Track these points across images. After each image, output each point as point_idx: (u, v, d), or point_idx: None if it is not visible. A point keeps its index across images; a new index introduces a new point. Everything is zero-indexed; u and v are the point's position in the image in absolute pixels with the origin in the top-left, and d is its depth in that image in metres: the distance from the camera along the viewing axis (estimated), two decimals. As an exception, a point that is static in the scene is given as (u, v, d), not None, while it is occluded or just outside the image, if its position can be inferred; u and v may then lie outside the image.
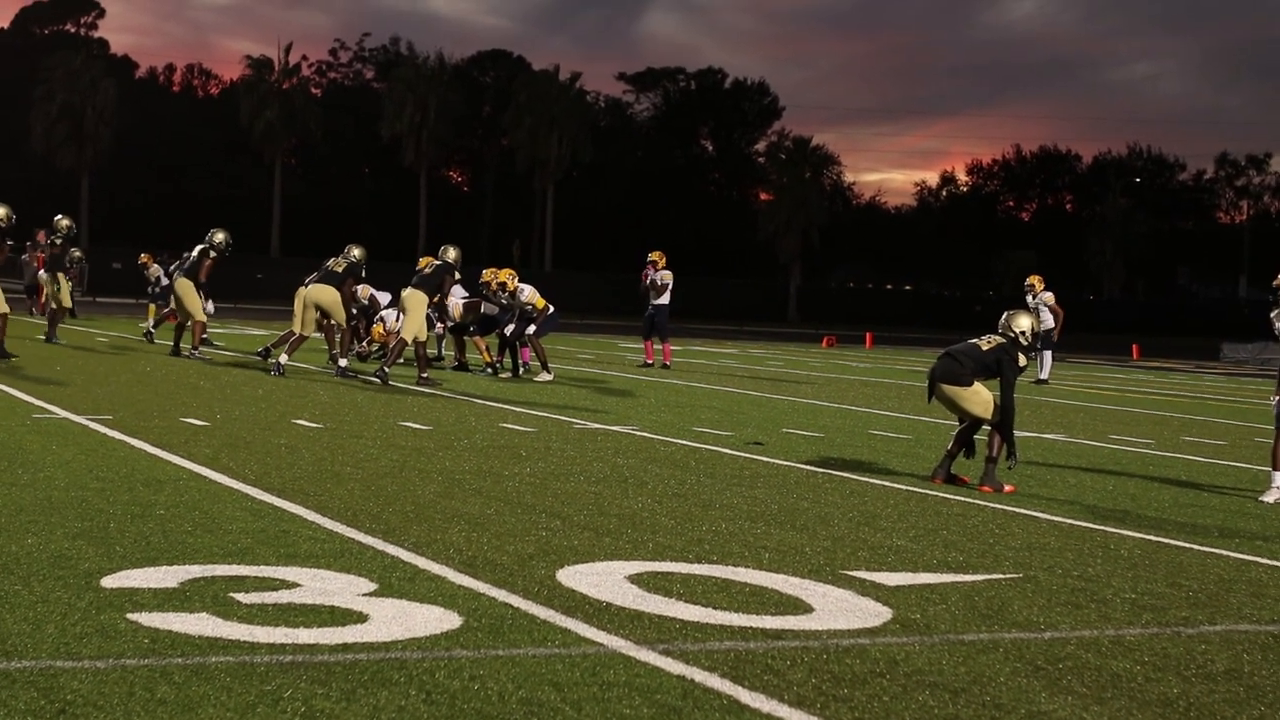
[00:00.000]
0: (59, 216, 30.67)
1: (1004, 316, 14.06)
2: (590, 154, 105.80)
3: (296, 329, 24.06)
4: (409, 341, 23.08)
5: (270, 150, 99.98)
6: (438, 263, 24.43)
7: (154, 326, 32.34)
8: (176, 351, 26.67)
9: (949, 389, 13.76)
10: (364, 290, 26.84)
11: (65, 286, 30.13)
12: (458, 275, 25.12)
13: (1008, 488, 13.32)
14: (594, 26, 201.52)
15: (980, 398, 13.65)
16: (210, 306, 32.48)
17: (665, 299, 31.07)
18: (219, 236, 26.68)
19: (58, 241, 30.00)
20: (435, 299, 24.20)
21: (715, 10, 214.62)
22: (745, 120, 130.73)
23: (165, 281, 40.98)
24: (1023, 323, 13.84)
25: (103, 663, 6.16)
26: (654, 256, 31.47)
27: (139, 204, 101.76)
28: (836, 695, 6.24)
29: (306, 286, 24.28)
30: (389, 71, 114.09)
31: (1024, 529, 11.21)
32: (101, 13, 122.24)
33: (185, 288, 26.53)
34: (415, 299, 23.50)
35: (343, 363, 24.01)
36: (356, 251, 24.84)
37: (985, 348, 13.77)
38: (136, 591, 7.44)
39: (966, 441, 13.88)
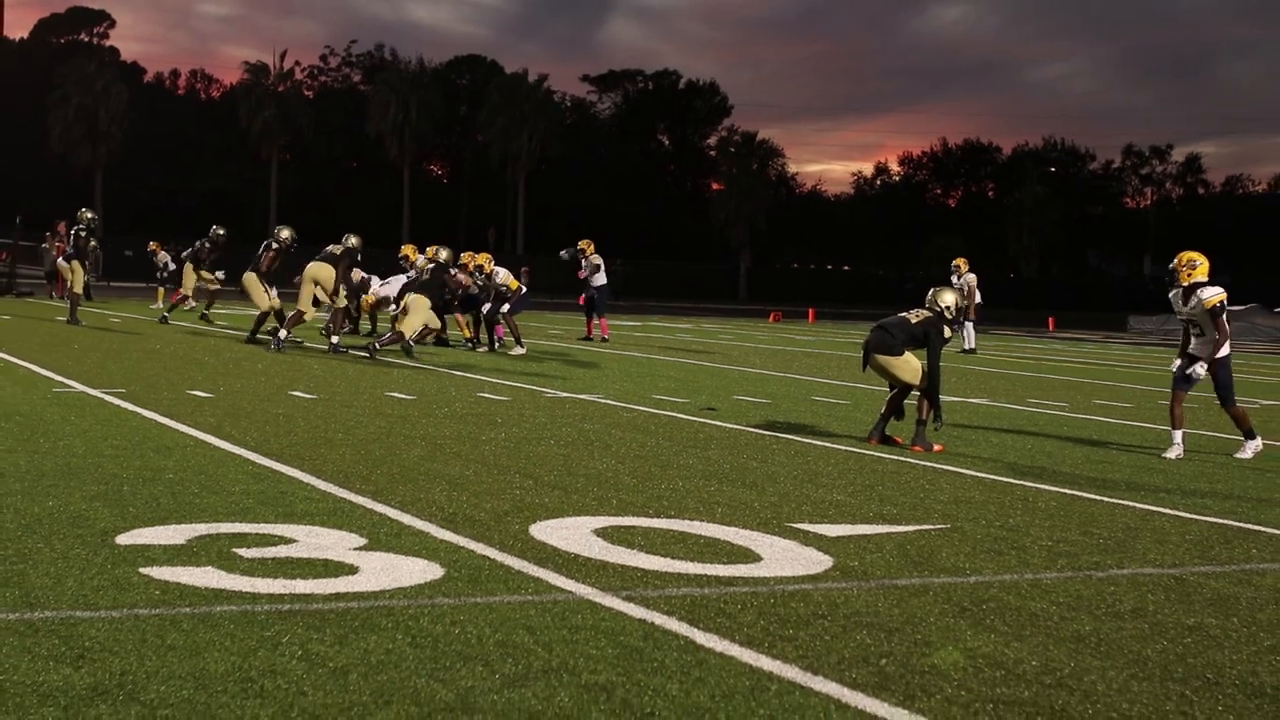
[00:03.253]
0: (83, 210, 30.39)
1: (930, 292, 14.09)
2: (557, 149, 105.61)
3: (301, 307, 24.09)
4: (407, 335, 23.22)
5: (267, 148, 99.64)
6: (432, 264, 24.60)
7: (168, 311, 32.02)
8: (253, 339, 25.74)
9: (881, 359, 13.79)
10: (356, 274, 26.87)
11: (80, 274, 29.85)
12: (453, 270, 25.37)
13: (936, 447, 13.37)
14: (561, 33, 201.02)
15: (910, 366, 13.70)
16: (220, 274, 32.39)
17: (601, 279, 31.06)
18: (285, 233, 26.14)
19: (83, 233, 29.69)
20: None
21: (671, 18, 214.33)
22: (698, 117, 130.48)
23: (173, 267, 40.91)
24: (947, 298, 13.89)
25: (118, 612, 6.14)
26: (582, 245, 31.34)
27: (148, 198, 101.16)
28: (783, 635, 6.24)
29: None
30: (374, 75, 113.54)
31: (951, 484, 11.24)
32: (112, 23, 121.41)
33: (250, 280, 26.02)
34: (419, 302, 23.68)
35: (334, 339, 23.90)
36: (353, 240, 24.74)
37: (914, 321, 13.81)
38: (148, 548, 7.41)
39: (897, 406, 13.91)
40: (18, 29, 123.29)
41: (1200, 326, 14.01)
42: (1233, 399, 14.04)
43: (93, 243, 34.03)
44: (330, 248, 24.73)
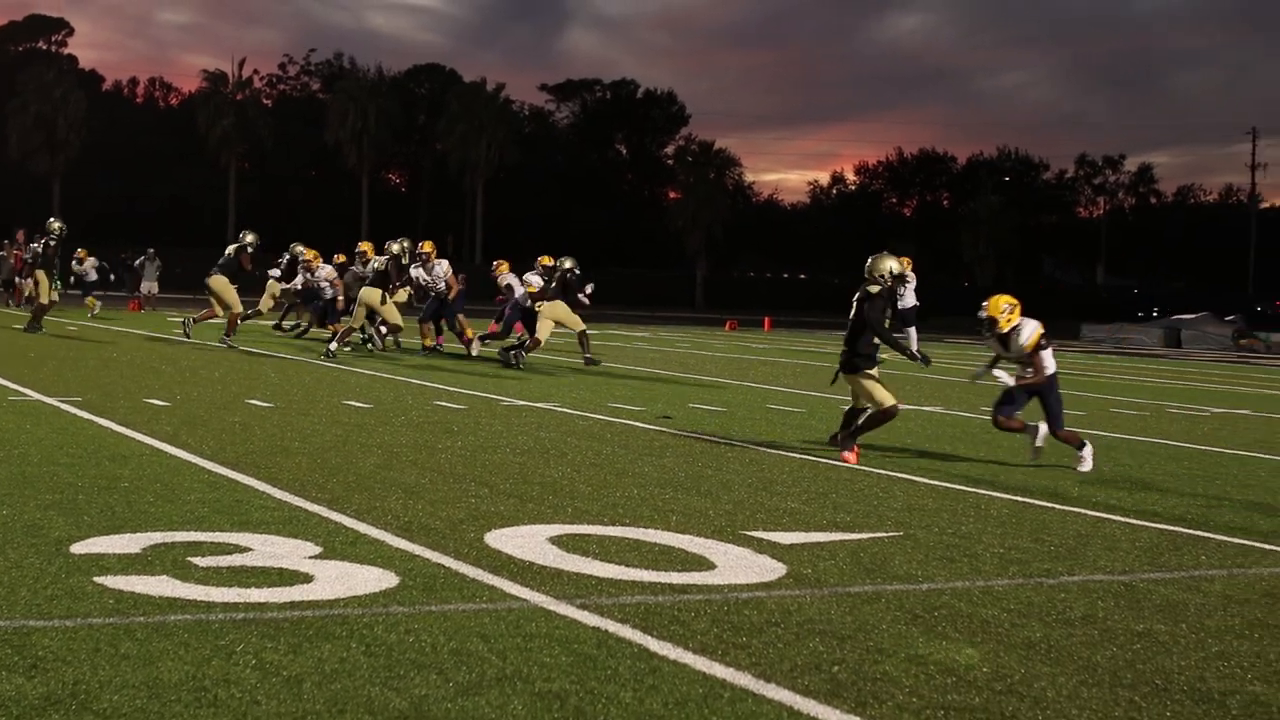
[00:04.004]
0: (52, 220, 30.14)
1: (869, 260, 13.83)
2: (516, 158, 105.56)
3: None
4: (401, 325, 25.16)
5: (225, 156, 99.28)
6: (387, 258, 25.10)
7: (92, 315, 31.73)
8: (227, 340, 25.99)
9: (847, 378, 13.67)
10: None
11: (45, 283, 29.58)
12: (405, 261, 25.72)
13: (848, 455, 13.09)
14: (519, 42, 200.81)
15: (871, 393, 13.45)
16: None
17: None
18: (250, 237, 26.49)
19: (51, 243, 29.45)
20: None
21: (629, 27, 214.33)
22: (656, 126, 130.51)
23: (94, 277, 40.96)
24: (884, 265, 13.54)
25: (71, 621, 6.11)
26: (426, 249, 29.13)
27: (107, 206, 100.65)
28: (736, 643, 6.25)
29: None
30: (333, 84, 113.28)
31: (905, 492, 11.27)
32: (71, 31, 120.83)
33: (221, 284, 26.06)
34: (372, 294, 24.55)
35: (332, 347, 24.36)
36: (395, 246, 25.33)
37: (853, 315, 13.59)
38: (103, 557, 7.38)
39: (852, 421, 13.81)
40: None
41: (1026, 363, 13.74)
42: (1062, 424, 13.69)
43: (140, 260, 33.86)
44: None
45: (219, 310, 26.54)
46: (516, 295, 27.25)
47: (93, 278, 44.58)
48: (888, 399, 13.39)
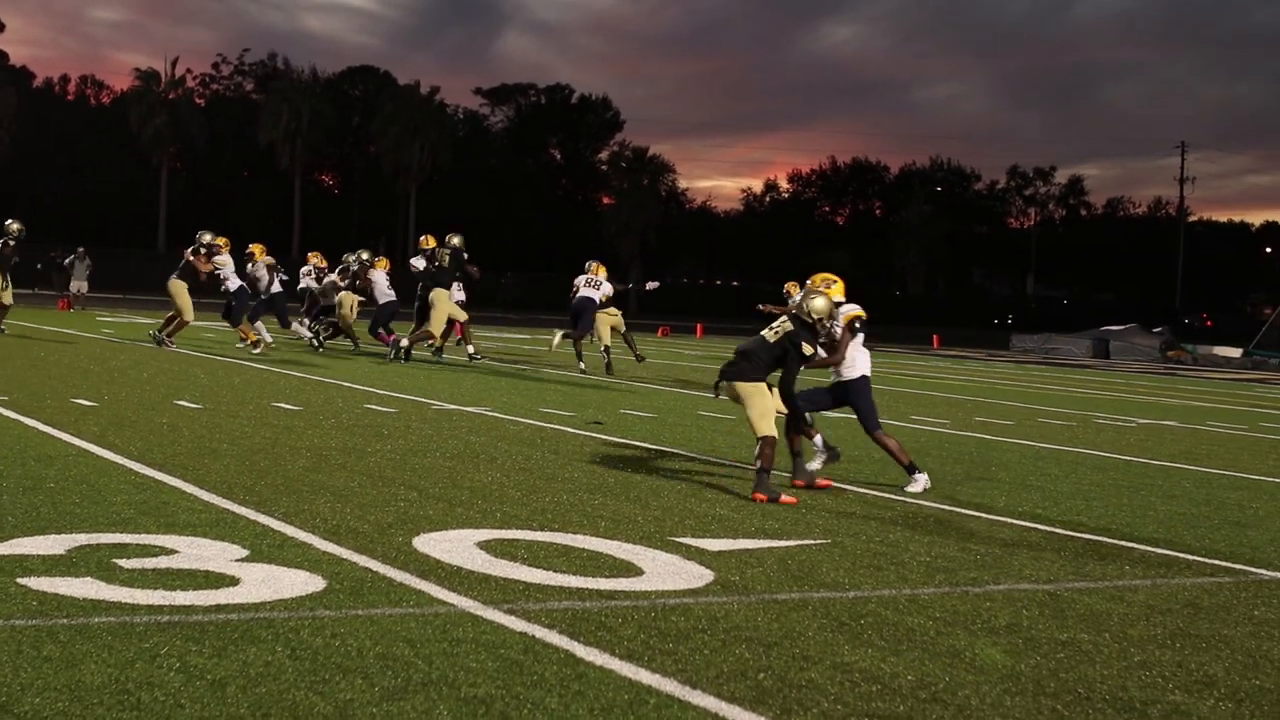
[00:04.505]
0: (10, 221, 29.77)
1: (799, 297, 13.07)
2: (449, 161, 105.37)
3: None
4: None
5: (158, 155, 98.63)
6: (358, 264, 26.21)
7: None
8: (159, 341, 25.84)
9: (735, 385, 12.10)
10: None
11: (7, 285, 29.18)
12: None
13: (784, 499, 11.32)
14: (454, 45, 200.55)
15: (756, 405, 11.99)
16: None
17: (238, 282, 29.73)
18: (206, 237, 26.37)
19: (11, 244, 29.13)
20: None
21: (565, 32, 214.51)
22: (590, 132, 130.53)
23: None
24: (818, 304, 12.19)
25: (-7, 623, 6.05)
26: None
27: (37, 204, 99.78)
28: (663, 649, 6.26)
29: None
30: (267, 84, 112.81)
31: (833, 499, 11.32)
32: (2, 27, 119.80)
33: (177, 288, 25.88)
34: (350, 298, 27.41)
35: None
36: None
37: (772, 339, 12.15)
38: (26, 558, 7.31)
39: (799, 433, 12.73)
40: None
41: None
42: (876, 424, 13.19)
43: (70, 259, 33.47)
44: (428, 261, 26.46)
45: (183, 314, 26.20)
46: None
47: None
48: (767, 427, 11.94)
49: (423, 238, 27.93)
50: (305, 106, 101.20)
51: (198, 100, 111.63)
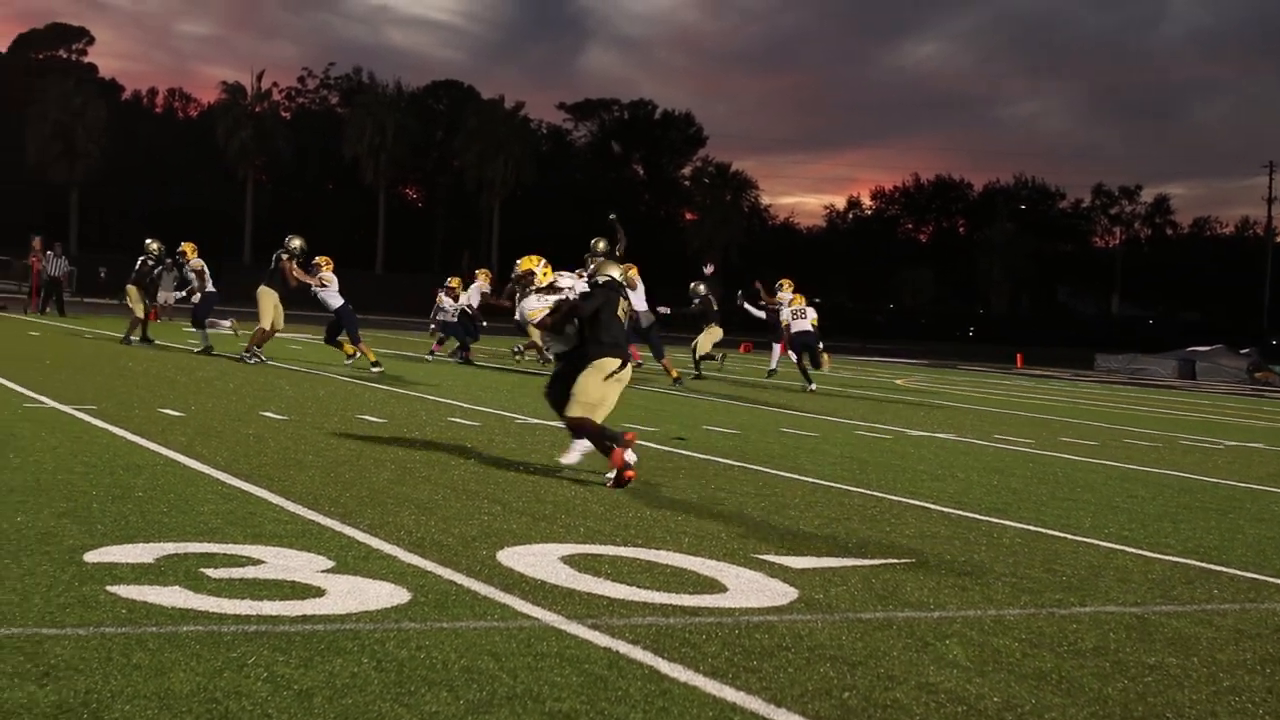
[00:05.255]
0: (149, 240, 30.23)
1: (594, 266, 13.23)
2: (533, 176, 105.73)
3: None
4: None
5: (243, 167, 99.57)
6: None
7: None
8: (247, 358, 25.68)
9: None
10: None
11: (137, 296, 29.54)
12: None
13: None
14: (538, 61, 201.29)
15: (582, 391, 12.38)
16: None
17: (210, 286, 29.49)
18: (296, 242, 26.00)
19: (149, 262, 29.60)
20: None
21: (648, 48, 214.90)
22: (673, 147, 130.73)
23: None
24: (609, 270, 12.74)
25: (84, 630, 6.11)
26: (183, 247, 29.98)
27: (124, 215, 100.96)
28: (747, 666, 6.24)
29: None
30: (352, 98, 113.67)
31: (918, 519, 11.24)
32: (92, 40, 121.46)
33: (262, 294, 25.83)
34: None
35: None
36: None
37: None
38: (116, 566, 7.38)
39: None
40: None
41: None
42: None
43: (65, 262, 33.89)
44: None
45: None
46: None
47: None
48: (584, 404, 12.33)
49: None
50: (390, 120, 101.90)
51: (283, 114, 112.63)
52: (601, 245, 26.05)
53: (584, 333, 12.56)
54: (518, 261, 13.25)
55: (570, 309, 12.57)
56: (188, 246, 29.28)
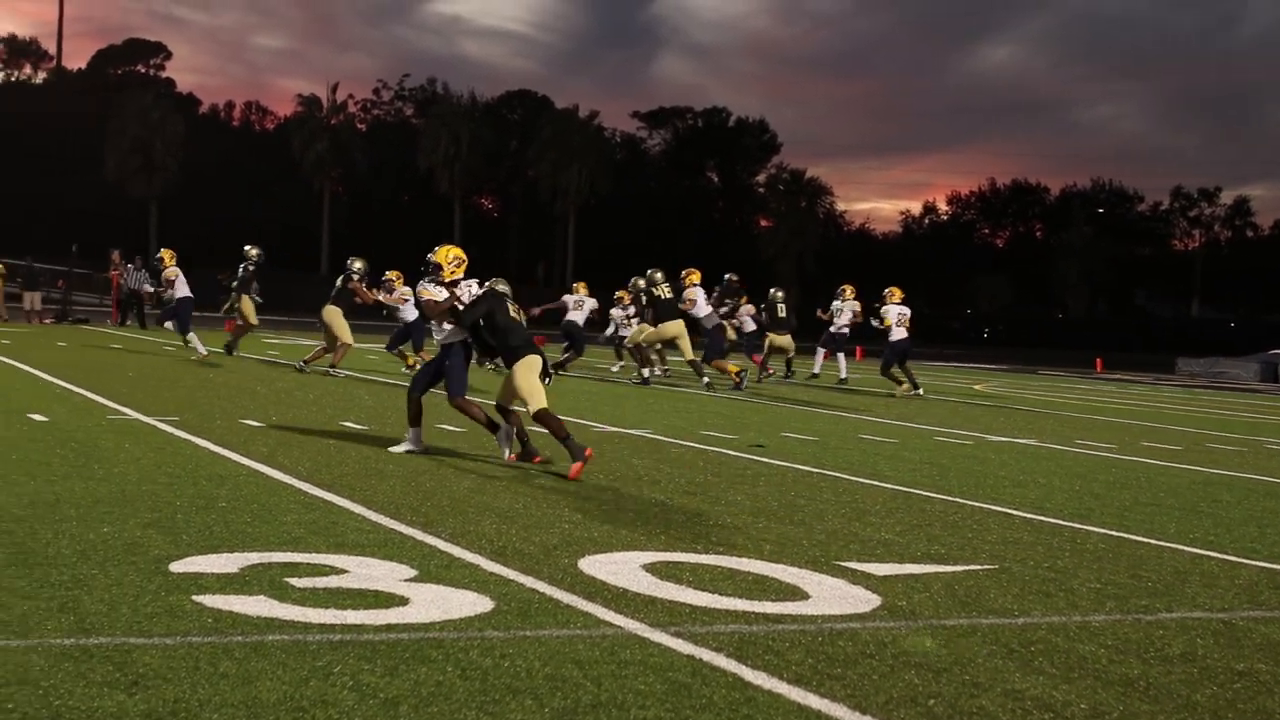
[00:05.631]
0: (249, 247, 30.50)
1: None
2: (607, 185, 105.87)
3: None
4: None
5: (319, 180, 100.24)
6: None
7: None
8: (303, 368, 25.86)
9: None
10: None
11: (250, 306, 29.84)
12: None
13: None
14: (611, 69, 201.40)
15: (510, 383, 13.75)
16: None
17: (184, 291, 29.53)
18: (358, 265, 26.18)
19: (250, 268, 29.89)
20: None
21: (720, 55, 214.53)
22: (746, 154, 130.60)
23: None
24: (498, 284, 14.20)
25: (171, 640, 6.17)
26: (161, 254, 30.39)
27: (202, 228, 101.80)
28: (830, 674, 6.23)
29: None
30: (426, 109, 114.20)
31: (1000, 525, 11.18)
32: (169, 55, 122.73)
33: (331, 314, 25.88)
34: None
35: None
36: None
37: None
38: (201, 576, 7.45)
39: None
40: (76, 59, 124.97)
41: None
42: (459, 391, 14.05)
43: (147, 278, 34.29)
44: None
45: (328, 342, 26.21)
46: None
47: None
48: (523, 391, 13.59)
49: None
50: (464, 131, 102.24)
51: (359, 126, 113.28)
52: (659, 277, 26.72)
53: (494, 340, 13.76)
54: (434, 249, 14.25)
55: (453, 310, 13.70)
56: (165, 253, 29.58)
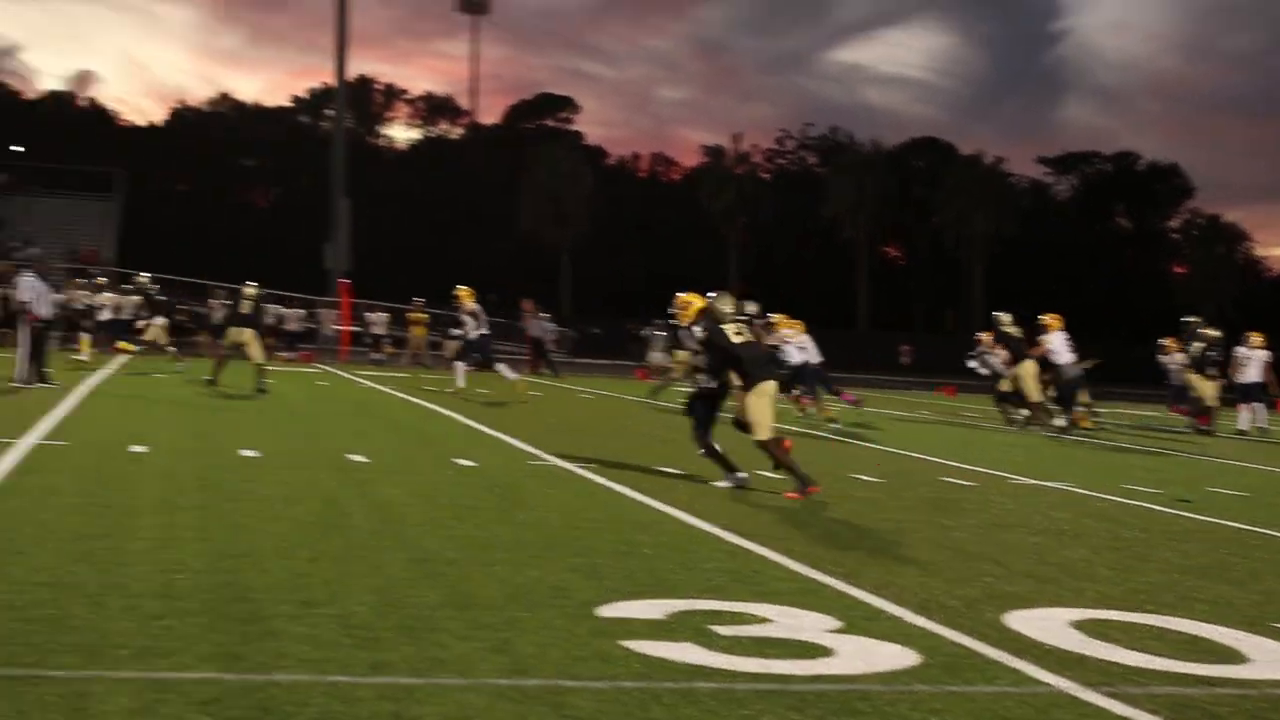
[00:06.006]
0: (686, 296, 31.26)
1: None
2: (1013, 230, 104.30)
3: None
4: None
5: (726, 229, 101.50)
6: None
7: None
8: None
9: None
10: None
11: (681, 356, 30.73)
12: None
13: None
14: (1014, 115, 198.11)
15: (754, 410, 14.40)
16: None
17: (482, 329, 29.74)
18: (751, 308, 26.64)
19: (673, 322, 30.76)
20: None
21: (1127, 97, 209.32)
22: (1156, 199, 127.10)
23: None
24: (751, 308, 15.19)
25: (603, 684, 6.29)
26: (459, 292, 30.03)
27: (612, 277, 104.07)
28: (1279, 741, 5.98)
29: None
30: (830, 157, 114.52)
31: None
32: (577, 109, 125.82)
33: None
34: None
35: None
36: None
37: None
38: (629, 621, 7.57)
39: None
40: (491, 115, 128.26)
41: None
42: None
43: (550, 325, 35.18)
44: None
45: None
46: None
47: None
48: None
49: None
50: (868, 179, 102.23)
51: (762, 175, 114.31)
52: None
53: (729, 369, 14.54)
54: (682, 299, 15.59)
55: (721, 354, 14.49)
56: (462, 291, 29.71)
